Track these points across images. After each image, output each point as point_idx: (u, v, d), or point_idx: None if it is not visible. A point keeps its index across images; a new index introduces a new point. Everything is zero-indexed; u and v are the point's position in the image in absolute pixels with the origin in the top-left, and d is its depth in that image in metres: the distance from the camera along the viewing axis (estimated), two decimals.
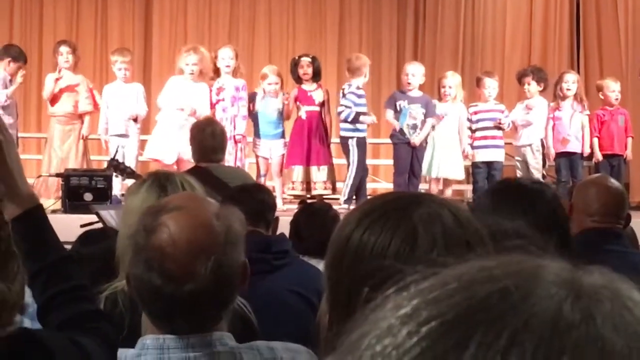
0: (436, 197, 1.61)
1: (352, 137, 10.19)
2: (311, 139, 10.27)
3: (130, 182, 7.23)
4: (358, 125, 10.21)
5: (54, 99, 10.41)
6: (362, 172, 10.22)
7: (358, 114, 10.12)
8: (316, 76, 10.45)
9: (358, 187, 10.20)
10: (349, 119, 10.13)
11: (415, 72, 10.41)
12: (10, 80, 10.32)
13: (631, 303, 0.69)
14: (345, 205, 9.99)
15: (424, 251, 1.45)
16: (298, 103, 10.37)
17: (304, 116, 10.33)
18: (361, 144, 10.20)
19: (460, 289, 0.69)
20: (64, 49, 10.53)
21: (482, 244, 1.48)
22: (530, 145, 10.70)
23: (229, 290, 2.14)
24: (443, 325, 0.67)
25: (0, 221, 1.87)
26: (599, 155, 10.73)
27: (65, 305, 2.18)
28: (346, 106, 10.18)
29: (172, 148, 9.91)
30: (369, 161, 11.53)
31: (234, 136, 10.00)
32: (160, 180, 3.10)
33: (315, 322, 1.73)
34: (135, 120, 10.32)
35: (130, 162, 9.44)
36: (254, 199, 4.44)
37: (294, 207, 9.58)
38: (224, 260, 2.08)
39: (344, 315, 1.49)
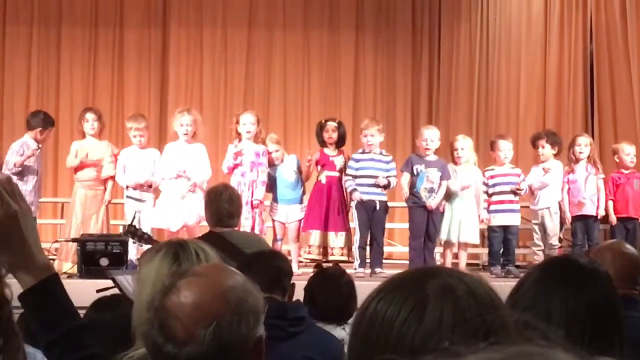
0: (456, 271, 1.60)
1: (353, 200, 10.25)
2: (330, 204, 10.28)
3: (147, 247, 7.25)
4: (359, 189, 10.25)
5: (79, 168, 10.44)
6: (366, 234, 10.18)
7: (352, 191, 10.21)
8: (340, 142, 10.49)
9: (373, 252, 10.15)
10: (354, 198, 10.22)
11: (433, 137, 10.44)
12: (39, 147, 10.37)
13: None
14: (361, 269, 9.97)
15: (432, 323, 1.45)
16: (319, 167, 10.40)
17: (323, 180, 10.35)
18: (359, 207, 10.21)
19: None
20: (90, 115, 10.57)
21: (499, 320, 1.47)
22: (548, 208, 10.68)
23: None
24: None
25: (0, 300, 1.88)
26: (614, 219, 10.71)
27: None
28: (350, 175, 10.27)
29: (177, 216, 9.96)
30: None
31: (252, 201, 10.02)
32: (174, 249, 3.10)
33: None
34: (150, 186, 10.33)
35: (147, 227, 9.46)
36: (270, 265, 4.44)
37: (310, 270, 9.58)
38: (228, 329, 2.08)
39: None
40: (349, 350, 1.58)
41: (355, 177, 10.24)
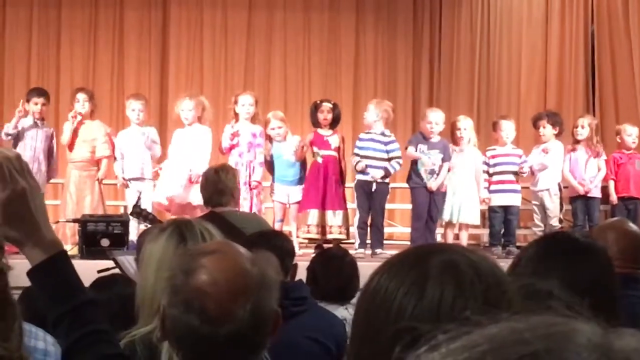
0: (461, 248, 1.59)
1: (355, 181, 10.25)
2: (327, 184, 10.25)
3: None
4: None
5: (71, 146, 10.44)
6: (365, 214, 10.18)
7: (357, 164, 10.23)
8: (335, 123, 10.45)
9: (373, 233, 10.15)
10: (357, 168, 10.22)
11: (438, 120, 10.43)
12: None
13: None
14: (361, 250, 9.97)
15: (433, 297, 1.45)
16: (315, 148, 10.35)
17: (320, 160, 10.31)
18: (358, 187, 10.25)
19: (491, 351, 0.69)
20: (81, 96, 10.57)
21: (504, 297, 1.46)
22: (548, 189, 10.67)
23: (263, 335, 2.14)
24: None
25: None
26: (614, 198, 10.71)
27: (87, 349, 2.19)
28: (355, 154, 10.28)
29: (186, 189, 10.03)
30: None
31: (250, 182, 10.01)
32: (180, 229, 3.10)
33: None
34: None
35: (147, 207, 9.47)
36: (273, 245, 4.43)
37: (310, 251, 9.59)
38: (260, 304, 2.09)
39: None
40: (352, 326, 1.58)
41: (358, 156, 10.25)
